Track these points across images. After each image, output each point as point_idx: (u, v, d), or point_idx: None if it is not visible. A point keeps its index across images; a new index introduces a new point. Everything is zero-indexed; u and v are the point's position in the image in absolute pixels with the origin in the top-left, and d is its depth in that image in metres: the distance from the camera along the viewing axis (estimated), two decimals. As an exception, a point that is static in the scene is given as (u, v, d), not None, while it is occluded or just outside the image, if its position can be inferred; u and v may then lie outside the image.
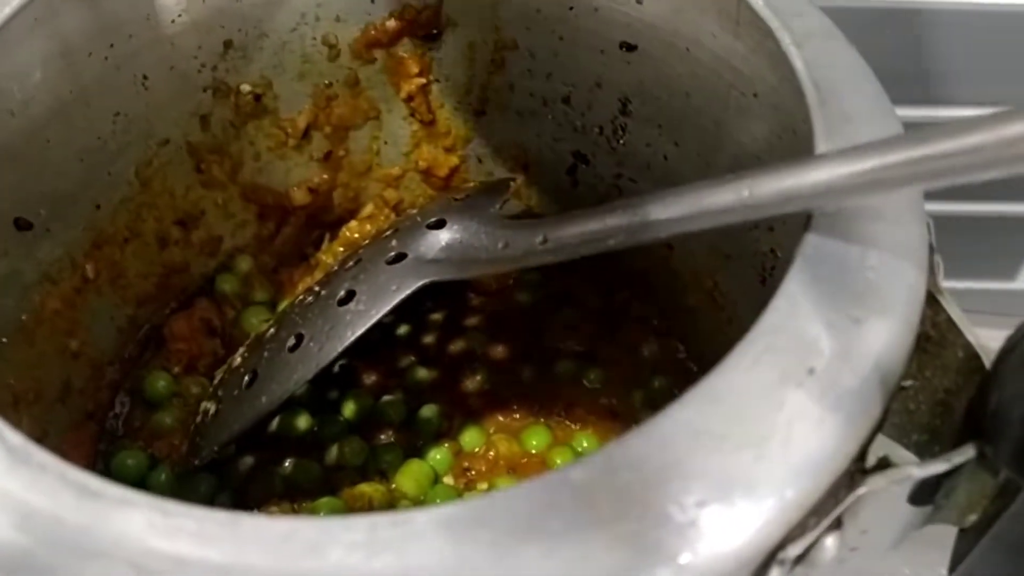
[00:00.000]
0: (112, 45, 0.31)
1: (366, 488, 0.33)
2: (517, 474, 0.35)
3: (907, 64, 0.48)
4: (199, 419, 0.32)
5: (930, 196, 0.23)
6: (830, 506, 0.19)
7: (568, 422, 0.37)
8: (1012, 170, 0.19)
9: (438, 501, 0.33)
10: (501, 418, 0.37)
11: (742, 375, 0.19)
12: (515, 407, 0.37)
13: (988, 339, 0.23)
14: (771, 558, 0.19)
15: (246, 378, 0.31)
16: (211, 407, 0.32)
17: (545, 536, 0.17)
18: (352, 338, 0.29)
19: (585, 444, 0.36)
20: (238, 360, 0.32)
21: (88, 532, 0.17)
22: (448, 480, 0.35)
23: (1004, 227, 0.57)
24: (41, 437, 0.32)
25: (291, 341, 0.30)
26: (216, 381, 0.33)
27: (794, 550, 0.19)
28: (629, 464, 0.18)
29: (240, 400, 0.30)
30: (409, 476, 0.34)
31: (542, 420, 0.36)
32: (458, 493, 0.34)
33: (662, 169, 0.36)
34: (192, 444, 0.32)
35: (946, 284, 0.24)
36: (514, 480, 0.35)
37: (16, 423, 0.31)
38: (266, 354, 0.31)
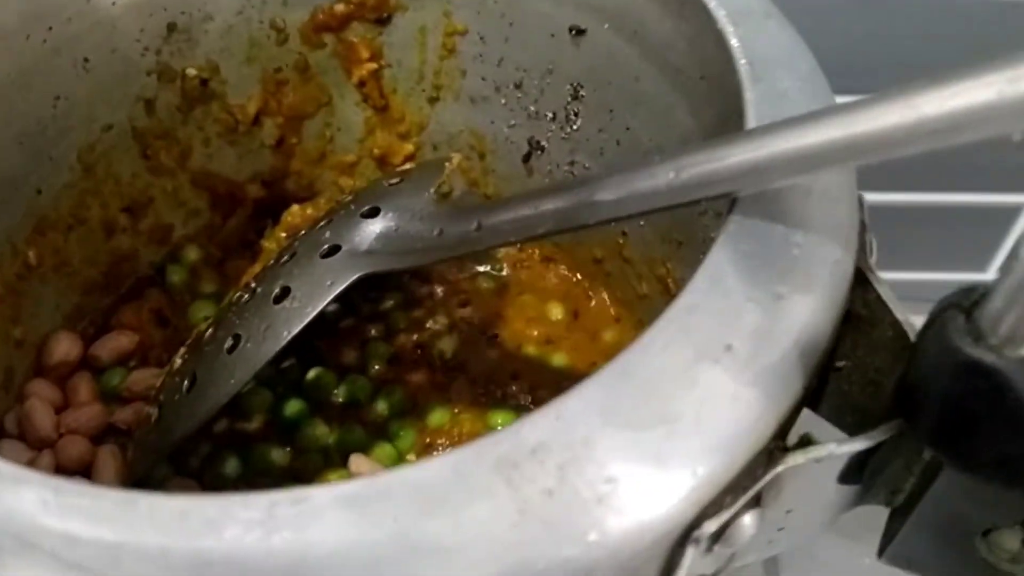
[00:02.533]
0: (51, 28, 0.31)
1: (330, 475, 0.33)
2: None
3: (868, 53, 0.48)
4: (141, 426, 0.32)
5: (897, 186, 0.23)
6: (747, 483, 0.19)
7: (533, 405, 0.36)
8: (940, 144, 0.19)
9: None
10: (466, 399, 0.36)
11: (657, 352, 0.19)
12: (480, 390, 0.37)
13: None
14: (686, 536, 0.18)
15: (185, 382, 0.30)
16: (153, 412, 0.31)
17: (449, 512, 0.17)
18: (288, 337, 0.29)
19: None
20: (178, 363, 0.32)
21: (-21, 509, 0.17)
22: (411, 457, 0.35)
23: (974, 218, 0.57)
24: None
25: (228, 342, 0.30)
26: (158, 385, 0.32)
27: (710, 527, 0.18)
28: (538, 440, 0.18)
29: (180, 405, 0.30)
30: (374, 461, 0.34)
31: (507, 402, 0.36)
32: None
33: (615, 154, 0.35)
34: (135, 453, 0.32)
35: (916, 276, 0.23)
36: None
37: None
38: (205, 356, 0.30)
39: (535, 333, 0.39)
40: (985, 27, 0.48)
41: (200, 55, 0.35)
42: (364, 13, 0.36)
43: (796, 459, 0.19)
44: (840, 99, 0.26)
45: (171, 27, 0.34)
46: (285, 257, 0.31)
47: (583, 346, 0.39)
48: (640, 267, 0.37)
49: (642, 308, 0.38)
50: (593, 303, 0.40)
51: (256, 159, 0.39)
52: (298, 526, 0.17)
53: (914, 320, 0.23)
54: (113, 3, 0.32)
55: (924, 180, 0.53)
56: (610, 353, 0.39)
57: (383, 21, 0.36)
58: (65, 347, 0.34)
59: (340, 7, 0.35)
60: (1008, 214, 0.57)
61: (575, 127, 0.36)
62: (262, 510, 0.17)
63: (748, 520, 0.19)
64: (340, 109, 0.38)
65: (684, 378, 0.19)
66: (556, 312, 0.39)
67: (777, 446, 0.19)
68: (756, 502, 0.19)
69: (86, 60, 0.32)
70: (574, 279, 0.40)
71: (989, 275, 0.61)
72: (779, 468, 0.19)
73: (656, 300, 0.37)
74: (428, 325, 0.39)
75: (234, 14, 0.35)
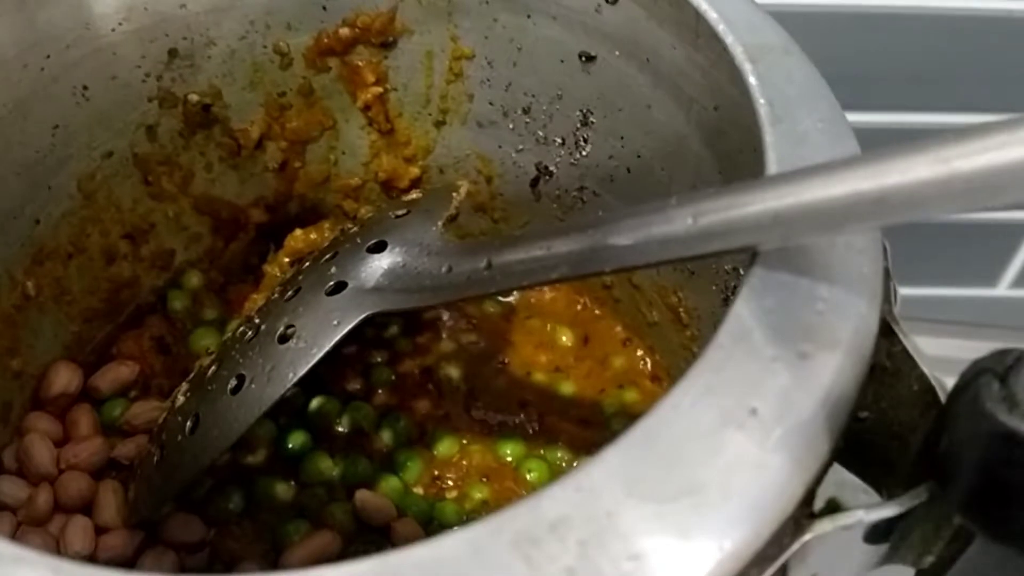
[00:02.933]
0: (48, 56, 0.30)
1: (335, 509, 0.32)
2: (491, 481, 0.34)
3: (867, 68, 0.47)
4: (143, 465, 0.31)
5: None
6: (774, 553, 0.18)
7: (541, 433, 0.36)
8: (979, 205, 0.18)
9: (409, 513, 0.33)
10: (474, 428, 0.36)
11: (679, 417, 0.18)
12: (488, 418, 0.36)
13: (965, 351, 0.22)
14: (710, 611, 0.18)
15: (188, 423, 0.29)
16: (155, 452, 0.31)
17: (466, 593, 0.16)
18: (294, 379, 0.28)
19: (559, 455, 0.35)
20: (180, 400, 0.31)
21: (-24, 591, 0.16)
22: (418, 490, 0.34)
23: (983, 233, 0.57)
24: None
25: (232, 382, 0.29)
26: (160, 421, 0.32)
27: (735, 602, 0.18)
28: (558, 514, 0.17)
29: (184, 446, 0.29)
30: (380, 494, 0.33)
31: (516, 431, 0.36)
32: (428, 504, 0.33)
33: (625, 181, 0.35)
34: (138, 493, 0.31)
35: (926, 291, 0.23)
36: (487, 487, 0.34)
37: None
38: (208, 396, 0.30)
39: (543, 359, 0.39)
40: (983, 41, 0.47)
41: (202, 80, 0.34)
42: (369, 37, 0.35)
43: (824, 527, 0.19)
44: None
45: (172, 53, 0.33)
46: (289, 292, 0.30)
47: (592, 372, 0.38)
48: (650, 294, 0.37)
49: (652, 336, 0.38)
50: (602, 328, 0.39)
51: (259, 183, 0.38)
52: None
53: (927, 342, 0.22)
54: (113, 29, 0.31)
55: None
56: (620, 379, 0.39)
57: (388, 45, 0.36)
58: (65, 379, 0.33)
59: (345, 31, 0.35)
60: (1017, 230, 0.57)
61: (584, 153, 0.36)
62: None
63: (774, 591, 0.18)
64: (345, 133, 0.38)
65: (709, 445, 0.18)
66: (565, 337, 0.39)
67: (803, 513, 0.19)
68: (782, 573, 0.19)
69: (85, 88, 0.31)
70: (582, 304, 0.40)
71: (999, 291, 0.61)
72: (806, 537, 0.18)
73: (666, 328, 0.36)
74: (433, 350, 0.38)
75: (237, 39, 0.34)
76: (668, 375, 0.37)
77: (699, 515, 0.17)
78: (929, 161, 0.18)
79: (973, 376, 0.18)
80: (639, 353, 0.38)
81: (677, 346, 0.36)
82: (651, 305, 0.37)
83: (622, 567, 0.17)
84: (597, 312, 0.39)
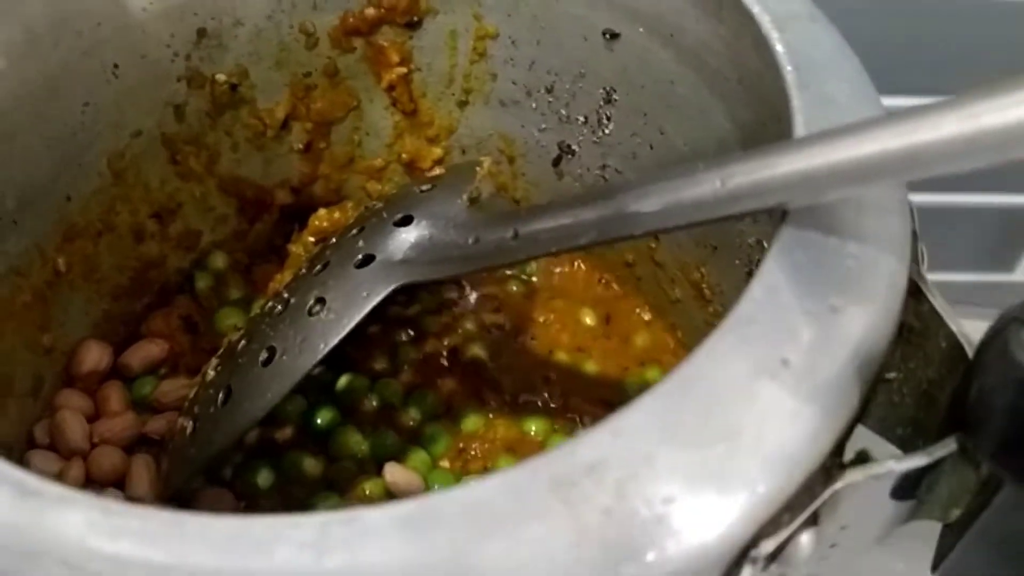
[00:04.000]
0: (80, 33, 0.30)
1: (364, 482, 0.33)
2: (516, 453, 0.34)
3: (902, 52, 0.47)
4: (176, 438, 0.32)
5: (925, 187, 0.22)
6: (805, 501, 0.18)
7: (564, 410, 0.36)
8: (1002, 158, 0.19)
9: (435, 486, 0.33)
10: (498, 405, 0.36)
11: (714, 366, 0.18)
12: (513, 396, 0.36)
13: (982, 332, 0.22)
14: (743, 555, 0.18)
15: (220, 395, 0.30)
16: (188, 425, 0.31)
17: (506, 533, 0.16)
18: (325, 350, 0.28)
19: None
20: (211, 374, 0.31)
21: (25, 531, 0.16)
22: (444, 463, 0.34)
23: (1001, 218, 0.57)
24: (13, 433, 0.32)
25: (263, 355, 0.29)
26: (191, 396, 0.32)
27: (767, 547, 0.18)
28: (595, 458, 0.17)
29: (216, 419, 0.29)
30: (409, 468, 0.33)
31: (541, 408, 0.36)
32: (456, 476, 0.34)
33: (648, 158, 0.35)
34: (171, 466, 0.32)
35: (943, 276, 0.23)
36: (513, 459, 0.34)
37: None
38: (239, 369, 0.30)
39: (566, 338, 0.39)
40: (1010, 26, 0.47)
41: (229, 60, 0.34)
42: (394, 17, 0.35)
43: (854, 476, 0.19)
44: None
45: (201, 32, 0.33)
46: (318, 267, 0.31)
47: (615, 351, 0.39)
48: (673, 271, 0.37)
49: (675, 313, 0.38)
50: (624, 307, 0.39)
51: (284, 164, 0.38)
52: (351, 548, 0.16)
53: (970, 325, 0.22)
54: (143, 8, 0.32)
55: (951, 181, 0.53)
56: (642, 358, 0.39)
57: (413, 25, 0.36)
58: (95, 356, 0.34)
59: (370, 11, 0.35)
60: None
61: (607, 131, 0.36)
62: (314, 531, 0.16)
63: (805, 539, 0.19)
64: (369, 113, 0.38)
65: (742, 393, 0.18)
66: (588, 317, 0.39)
67: (834, 463, 0.19)
68: (813, 520, 0.19)
69: (115, 66, 0.32)
70: (604, 283, 0.40)
71: (1017, 276, 0.60)
72: (837, 485, 0.19)
73: (689, 305, 0.37)
74: (458, 330, 0.38)
75: (264, 19, 0.34)
76: (690, 349, 0.38)
77: (733, 460, 0.17)
78: (957, 118, 0.18)
79: (1003, 325, 0.18)
80: (662, 331, 0.39)
81: (700, 323, 0.36)
82: (673, 282, 0.37)
83: (657, 509, 0.17)
84: (619, 290, 0.40)
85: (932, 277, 0.23)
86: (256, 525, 0.16)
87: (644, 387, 0.35)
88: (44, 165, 0.31)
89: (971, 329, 0.22)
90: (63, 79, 0.31)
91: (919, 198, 0.23)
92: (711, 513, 0.17)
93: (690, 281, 0.36)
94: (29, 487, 0.17)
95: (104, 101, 0.32)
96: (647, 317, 0.39)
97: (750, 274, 0.32)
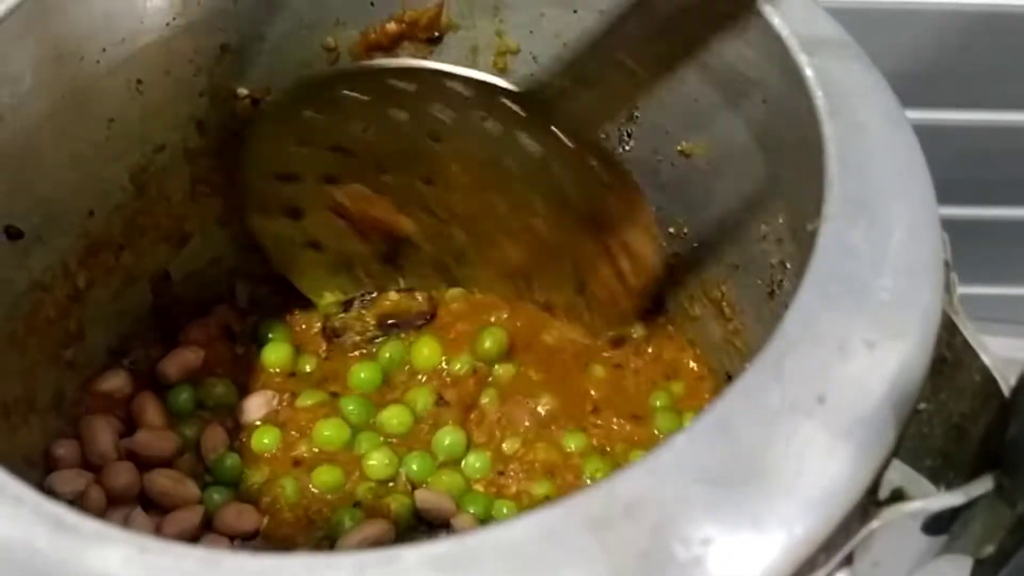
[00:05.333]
0: (104, 49, 0.30)
1: (391, 500, 0.33)
2: (554, 478, 0.34)
3: (919, 65, 0.47)
4: None
5: (950, 200, 0.22)
6: (841, 541, 0.18)
7: (598, 423, 0.36)
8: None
9: (470, 510, 0.33)
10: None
11: (748, 404, 0.18)
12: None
13: (1009, 349, 0.22)
14: (778, 596, 0.18)
15: None
16: None
17: (542, 575, 0.16)
18: None
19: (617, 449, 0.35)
20: None
21: (63, 567, 0.16)
22: (479, 487, 0.34)
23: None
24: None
25: None
26: None
27: (803, 588, 0.18)
28: (633, 498, 0.17)
29: None
30: (442, 490, 0.33)
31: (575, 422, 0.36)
32: (488, 500, 0.33)
33: (670, 176, 0.35)
34: None
35: (965, 290, 0.23)
36: (551, 484, 0.34)
37: (8, 433, 0.31)
38: None
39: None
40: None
41: (252, 75, 0.34)
42: (416, 32, 0.35)
43: (890, 515, 0.19)
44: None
45: (224, 48, 0.33)
46: None
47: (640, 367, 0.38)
48: (693, 289, 0.37)
49: (693, 330, 0.38)
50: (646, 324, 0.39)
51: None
52: (388, 587, 0.16)
53: (990, 341, 0.22)
54: (167, 24, 0.31)
55: (973, 194, 0.53)
56: (667, 372, 0.38)
57: (434, 40, 0.36)
58: (116, 382, 0.34)
59: (392, 26, 0.35)
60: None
61: (627, 148, 0.36)
62: (350, 570, 0.16)
63: (840, 578, 0.18)
64: (389, 128, 0.38)
65: (778, 432, 0.18)
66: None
67: (870, 501, 0.19)
68: (848, 559, 0.19)
69: (139, 81, 0.32)
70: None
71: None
72: (874, 524, 0.18)
73: (709, 322, 0.37)
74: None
75: (286, 35, 0.34)
76: (710, 369, 0.37)
77: (769, 501, 0.17)
78: None
79: (1041, 365, 0.18)
80: (682, 349, 0.38)
81: (720, 340, 0.36)
82: (693, 300, 0.37)
83: (694, 551, 0.17)
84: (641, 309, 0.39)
85: (978, 291, 0.23)
86: (292, 564, 0.16)
87: (671, 403, 0.36)
88: (68, 180, 0.31)
89: (998, 346, 0.22)
90: (88, 95, 0.30)
91: (949, 211, 0.23)
92: (748, 555, 0.17)
93: (710, 299, 0.36)
94: (67, 522, 0.17)
95: (128, 117, 0.32)
96: (668, 331, 0.39)
97: (772, 294, 0.32)
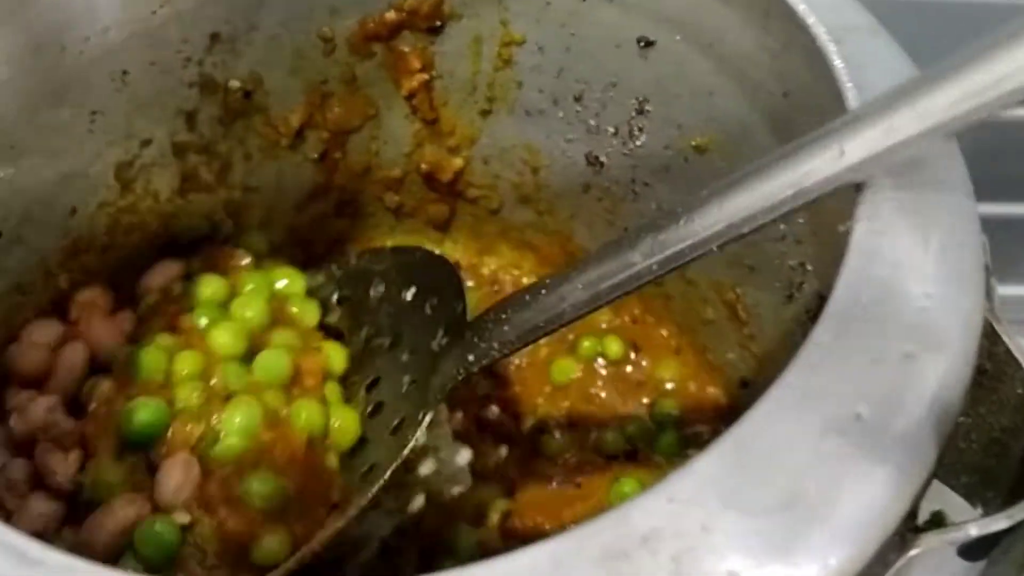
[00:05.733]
0: (87, 38, 0.29)
1: None
2: None
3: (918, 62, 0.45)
4: None
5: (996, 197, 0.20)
6: (879, 572, 0.17)
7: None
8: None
9: None
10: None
11: (776, 423, 0.17)
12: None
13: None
14: (811, 633, 0.16)
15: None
16: None
17: (553, 612, 0.15)
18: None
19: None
20: None
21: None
22: None
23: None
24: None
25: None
26: None
27: (837, 623, 0.16)
28: (650, 527, 0.16)
29: None
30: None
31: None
32: None
33: (681, 172, 0.33)
34: None
35: (1014, 290, 0.21)
36: None
37: None
38: None
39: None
40: None
41: (244, 66, 0.33)
42: (416, 21, 0.34)
43: (930, 542, 0.17)
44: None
45: (214, 37, 0.32)
46: None
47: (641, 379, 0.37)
48: (705, 291, 0.35)
49: (706, 333, 0.36)
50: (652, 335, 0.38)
51: (298, 173, 0.37)
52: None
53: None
54: (153, 12, 0.30)
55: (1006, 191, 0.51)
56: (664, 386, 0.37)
57: (435, 30, 0.34)
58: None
59: (391, 15, 0.33)
60: None
61: (638, 143, 0.34)
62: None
63: (877, 610, 0.17)
64: (387, 122, 0.36)
65: (809, 453, 0.17)
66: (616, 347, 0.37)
67: (908, 526, 0.17)
68: (885, 590, 0.17)
69: (125, 72, 0.30)
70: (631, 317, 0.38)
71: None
72: (912, 552, 0.17)
73: (723, 326, 0.35)
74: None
75: (280, 24, 0.33)
76: (722, 374, 0.36)
77: (800, 530, 0.16)
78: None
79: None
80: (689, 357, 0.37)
81: (734, 344, 0.35)
82: (706, 302, 0.35)
83: (720, 586, 0.15)
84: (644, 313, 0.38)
85: (1003, 291, 0.21)
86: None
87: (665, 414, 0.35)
88: (49, 177, 0.30)
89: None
90: (69, 87, 0.29)
91: (989, 208, 0.22)
92: (779, 590, 0.15)
93: (724, 301, 0.34)
94: (30, 556, 0.15)
95: (113, 109, 0.31)
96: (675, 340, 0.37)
97: (790, 298, 0.30)
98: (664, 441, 0.35)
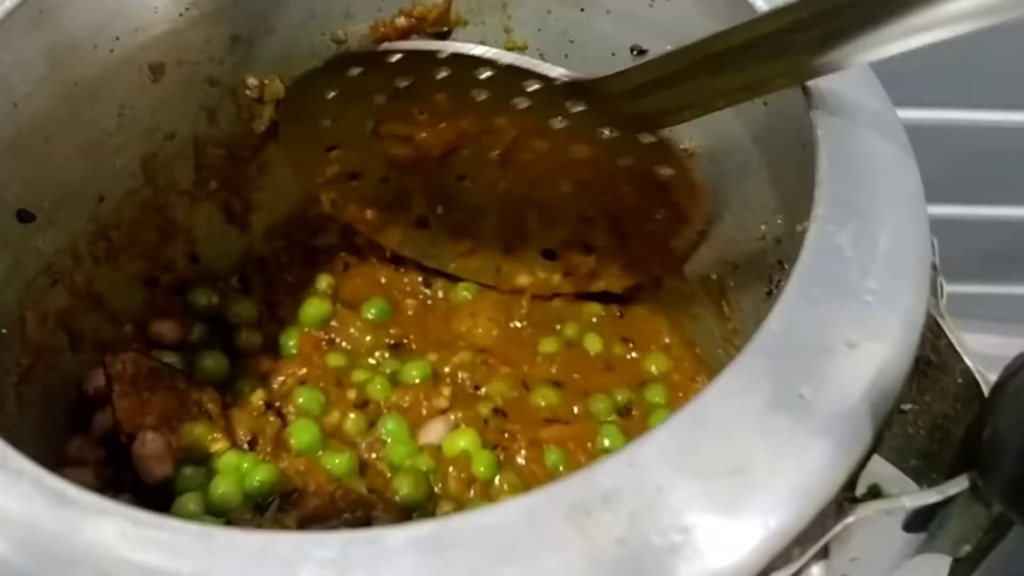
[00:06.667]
0: (118, 38, 0.31)
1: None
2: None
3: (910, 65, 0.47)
4: None
5: (941, 200, 0.22)
6: (817, 535, 0.19)
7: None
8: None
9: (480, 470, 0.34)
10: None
11: (729, 399, 0.19)
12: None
13: (1012, 348, 0.22)
14: (753, 587, 0.18)
15: None
16: None
17: (521, 560, 0.17)
18: None
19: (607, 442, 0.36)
20: None
21: (61, 540, 0.17)
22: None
23: (1013, 231, 0.56)
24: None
25: None
26: None
27: (777, 579, 0.18)
28: (611, 487, 0.18)
29: None
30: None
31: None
32: (495, 459, 0.34)
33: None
34: None
35: (959, 288, 0.23)
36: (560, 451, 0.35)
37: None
38: None
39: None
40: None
41: (262, 66, 0.35)
42: (424, 27, 0.36)
43: (866, 511, 0.19)
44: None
45: (235, 38, 0.34)
46: None
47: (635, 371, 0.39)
48: (694, 287, 0.37)
49: (693, 329, 0.38)
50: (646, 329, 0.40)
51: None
52: (372, 567, 0.17)
53: (974, 339, 0.22)
54: (180, 14, 0.32)
55: (963, 193, 0.53)
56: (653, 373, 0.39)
57: (442, 36, 0.36)
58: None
59: (401, 20, 0.35)
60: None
61: (632, 146, 0.36)
62: (336, 550, 0.17)
63: (815, 572, 0.19)
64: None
65: (757, 427, 0.19)
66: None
67: (846, 496, 0.19)
68: (824, 553, 0.19)
69: (151, 70, 0.32)
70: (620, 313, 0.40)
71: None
72: (849, 519, 0.19)
73: (708, 322, 0.37)
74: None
75: (296, 26, 0.35)
76: (708, 367, 0.38)
77: (746, 493, 0.18)
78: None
79: (1017, 368, 0.18)
80: (679, 349, 0.39)
81: (719, 339, 0.37)
82: (694, 297, 0.37)
83: (671, 539, 0.17)
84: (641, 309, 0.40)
85: (964, 289, 0.23)
86: (282, 542, 0.17)
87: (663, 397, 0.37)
88: (79, 167, 0.32)
89: (975, 343, 0.23)
90: (101, 83, 0.31)
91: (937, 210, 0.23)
92: (724, 545, 0.17)
93: (711, 298, 0.36)
94: (67, 495, 0.17)
95: (140, 105, 0.33)
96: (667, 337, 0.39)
97: (770, 294, 0.32)
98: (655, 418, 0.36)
